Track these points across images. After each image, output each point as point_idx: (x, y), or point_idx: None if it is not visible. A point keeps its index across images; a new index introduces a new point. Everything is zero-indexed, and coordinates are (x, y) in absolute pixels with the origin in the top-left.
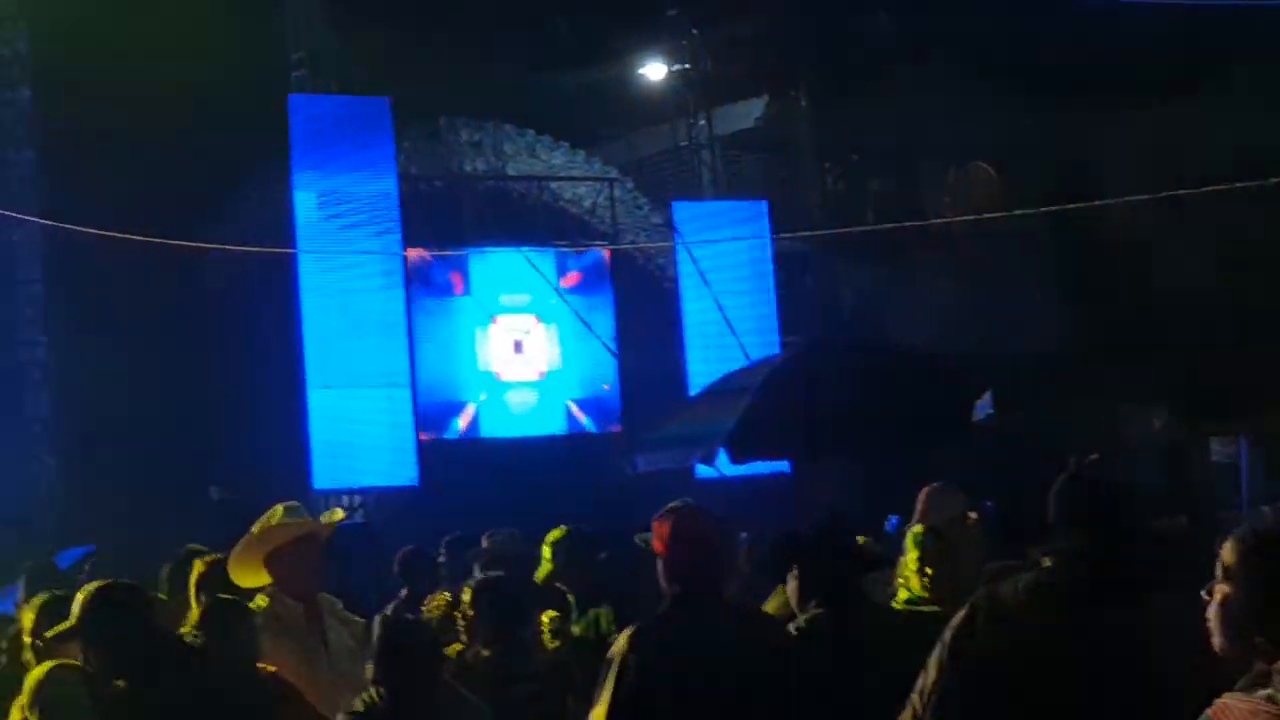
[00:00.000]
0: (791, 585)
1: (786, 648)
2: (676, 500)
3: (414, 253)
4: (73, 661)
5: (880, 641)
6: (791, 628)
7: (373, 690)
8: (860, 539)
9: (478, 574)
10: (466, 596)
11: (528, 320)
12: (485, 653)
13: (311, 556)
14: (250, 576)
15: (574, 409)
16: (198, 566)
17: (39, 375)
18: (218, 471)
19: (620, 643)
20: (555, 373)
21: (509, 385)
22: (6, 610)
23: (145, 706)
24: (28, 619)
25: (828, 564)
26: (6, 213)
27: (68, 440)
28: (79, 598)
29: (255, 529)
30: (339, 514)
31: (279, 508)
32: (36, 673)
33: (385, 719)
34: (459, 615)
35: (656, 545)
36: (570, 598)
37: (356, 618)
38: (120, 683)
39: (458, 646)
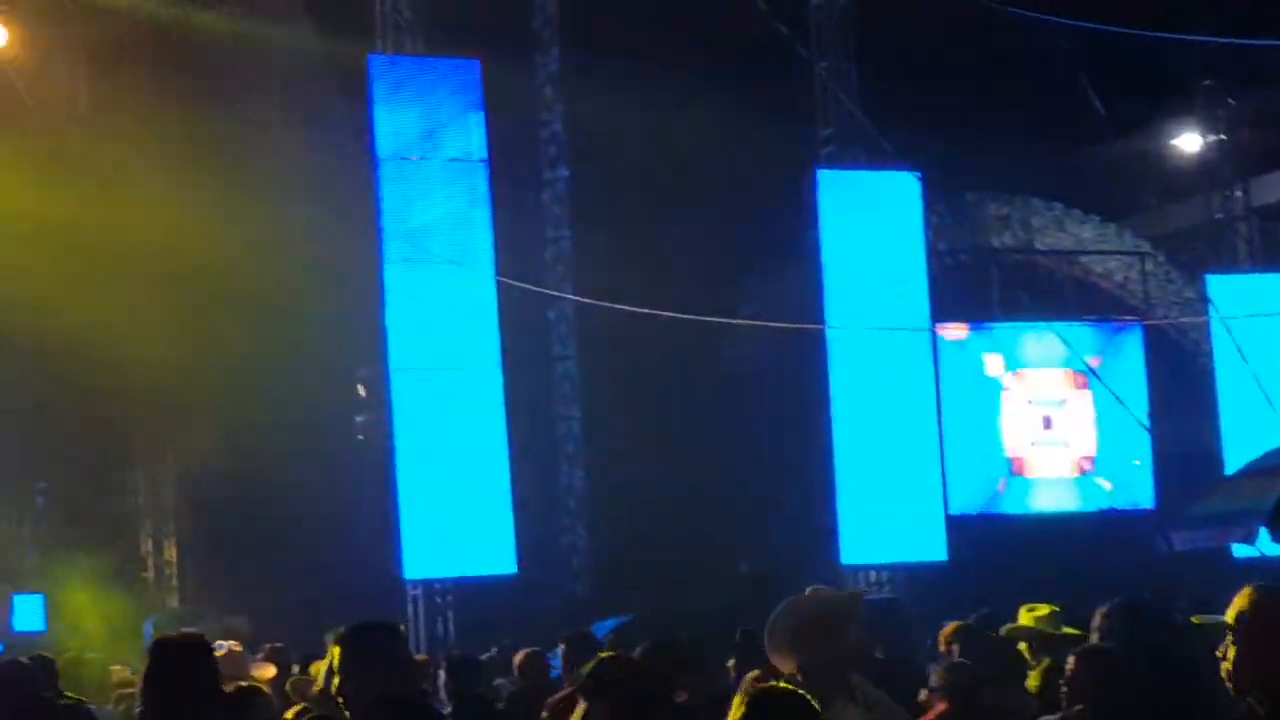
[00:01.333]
0: None
1: None
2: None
3: (948, 329)
4: None
5: None
6: None
7: None
8: None
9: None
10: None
11: (1061, 388)
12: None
13: (836, 635)
14: (780, 659)
15: (1104, 485)
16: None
17: (573, 449)
18: (746, 544)
19: None
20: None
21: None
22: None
23: None
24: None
25: None
26: (544, 289)
27: (600, 512)
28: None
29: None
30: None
31: (808, 590)
32: None
33: None
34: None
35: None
36: None
37: (885, 699)
38: None
39: None
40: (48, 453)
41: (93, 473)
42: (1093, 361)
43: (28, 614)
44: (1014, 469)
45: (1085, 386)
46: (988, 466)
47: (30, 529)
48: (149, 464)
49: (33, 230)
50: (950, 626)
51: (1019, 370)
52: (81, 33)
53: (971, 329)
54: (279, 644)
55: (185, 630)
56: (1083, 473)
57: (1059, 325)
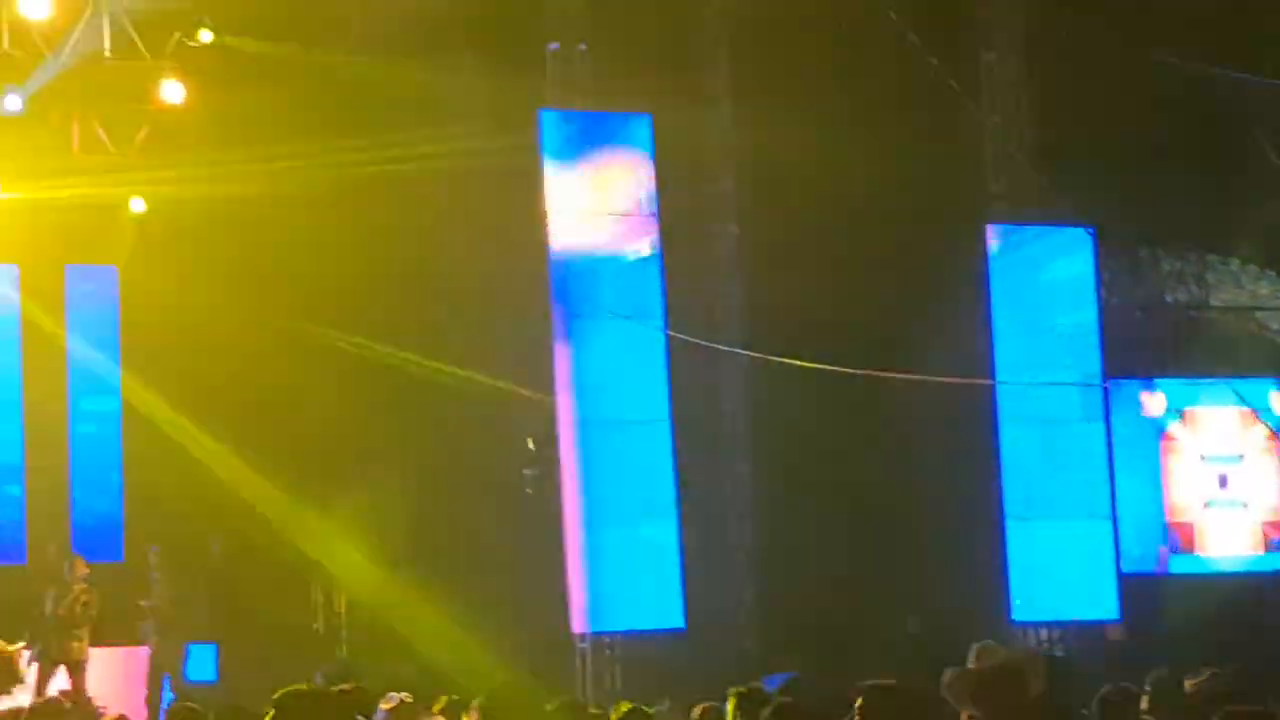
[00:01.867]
0: None
1: None
2: None
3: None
4: None
5: None
6: None
7: None
8: None
9: None
10: None
11: (1238, 442)
12: None
13: (1015, 693)
14: (965, 709)
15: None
16: None
17: (742, 505)
18: (916, 600)
19: None
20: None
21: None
22: None
23: None
24: None
25: None
26: (714, 344)
27: (770, 567)
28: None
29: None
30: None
31: (976, 646)
32: None
33: None
34: None
35: None
36: None
37: None
38: None
39: None
40: (220, 503)
41: (265, 523)
42: (1269, 426)
43: (201, 664)
44: (1184, 534)
45: (1275, 439)
46: (1161, 525)
47: (204, 579)
48: (320, 515)
49: (206, 276)
50: (1108, 689)
51: (1189, 419)
52: (257, 87)
53: (1142, 389)
54: (455, 695)
55: (347, 684)
56: (1270, 546)
57: (1235, 382)
